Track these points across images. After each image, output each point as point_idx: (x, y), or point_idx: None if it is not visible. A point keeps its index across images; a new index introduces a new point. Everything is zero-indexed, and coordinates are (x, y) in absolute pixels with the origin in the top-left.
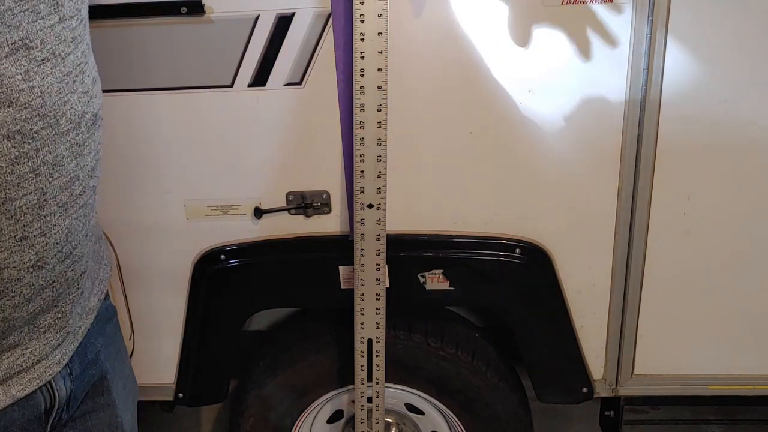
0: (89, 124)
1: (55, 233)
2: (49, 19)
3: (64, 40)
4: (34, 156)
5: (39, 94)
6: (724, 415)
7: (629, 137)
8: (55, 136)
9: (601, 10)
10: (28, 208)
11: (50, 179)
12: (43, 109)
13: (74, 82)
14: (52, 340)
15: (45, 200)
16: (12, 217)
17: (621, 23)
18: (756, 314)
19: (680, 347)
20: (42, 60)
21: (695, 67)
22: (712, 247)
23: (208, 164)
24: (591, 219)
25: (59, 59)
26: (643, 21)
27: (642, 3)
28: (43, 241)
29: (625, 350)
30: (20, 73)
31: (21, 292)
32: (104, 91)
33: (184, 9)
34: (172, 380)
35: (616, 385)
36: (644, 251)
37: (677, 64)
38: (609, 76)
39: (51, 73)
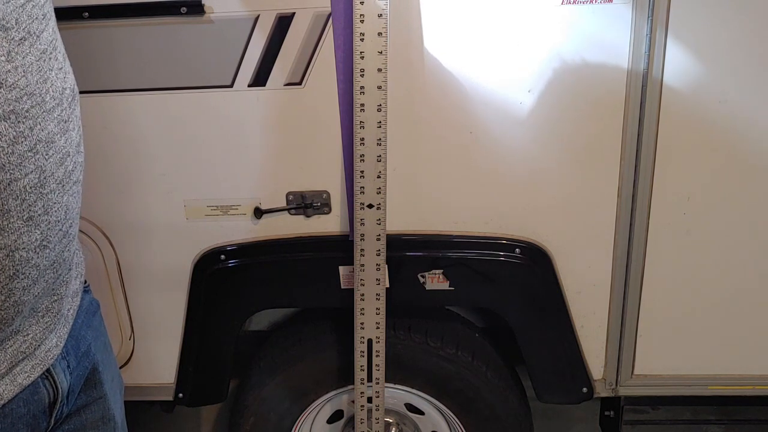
0: (69, 99)
1: (55, 211)
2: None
3: (36, 18)
4: (30, 134)
5: (23, 73)
6: (724, 415)
7: (629, 137)
8: (44, 113)
9: (601, 10)
10: (31, 188)
11: (46, 157)
12: (29, 88)
13: (50, 59)
14: (49, 324)
15: (45, 178)
16: (18, 197)
17: (621, 23)
18: (756, 314)
19: (680, 347)
20: (20, 40)
21: (695, 67)
22: (712, 247)
23: (208, 164)
24: (591, 219)
25: (35, 37)
26: (643, 21)
27: (642, 3)
28: (46, 220)
29: (625, 350)
30: (3, 55)
31: (29, 274)
32: (104, 92)
33: (184, 9)
34: (172, 380)
35: (616, 385)
36: (644, 251)
37: (677, 64)
38: (609, 76)
39: (29, 52)
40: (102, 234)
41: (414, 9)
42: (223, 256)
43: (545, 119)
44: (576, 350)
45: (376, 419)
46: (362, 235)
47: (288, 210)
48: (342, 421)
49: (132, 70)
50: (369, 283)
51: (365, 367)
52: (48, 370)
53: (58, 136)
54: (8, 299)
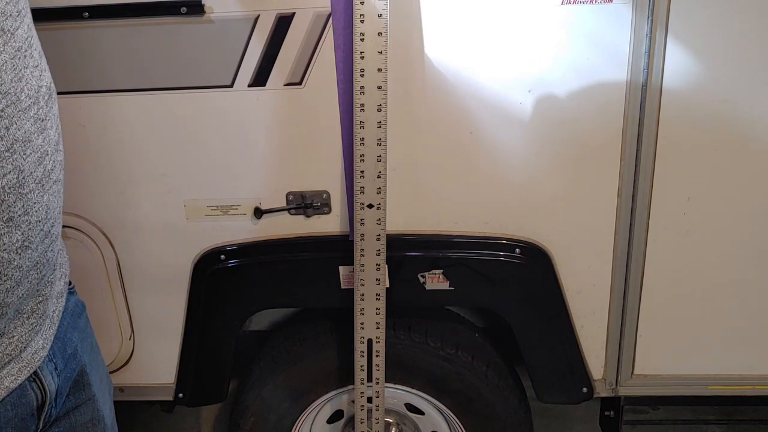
0: (46, 97)
1: (36, 211)
2: None
3: (10, 15)
4: (6, 134)
5: None
6: (724, 415)
7: (629, 137)
8: (20, 112)
9: (601, 10)
10: (10, 188)
11: (24, 156)
12: (3, 86)
13: (25, 56)
14: (35, 325)
15: (23, 178)
16: None
17: (621, 23)
18: (756, 314)
19: (680, 347)
20: None
21: (695, 67)
22: (711, 248)
23: (208, 164)
24: (591, 219)
25: (9, 35)
26: (643, 21)
27: (642, 3)
28: (26, 221)
29: (625, 350)
30: None
31: (12, 275)
32: (104, 92)
33: (184, 9)
34: (172, 380)
35: (616, 385)
36: (644, 251)
37: (677, 64)
38: (609, 76)
39: (3, 50)
40: (102, 234)
41: (414, 9)
42: (223, 256)
43: (545, 119)
44: (576, 350)
45: (376, 419)
46: (362, 235)
47: (288, 210)
48: (342, 421)
49: (132, 71)
50: (369, 283)
51: (365, 367)
52: (35, 373)
53: (36, 135)
54: None
